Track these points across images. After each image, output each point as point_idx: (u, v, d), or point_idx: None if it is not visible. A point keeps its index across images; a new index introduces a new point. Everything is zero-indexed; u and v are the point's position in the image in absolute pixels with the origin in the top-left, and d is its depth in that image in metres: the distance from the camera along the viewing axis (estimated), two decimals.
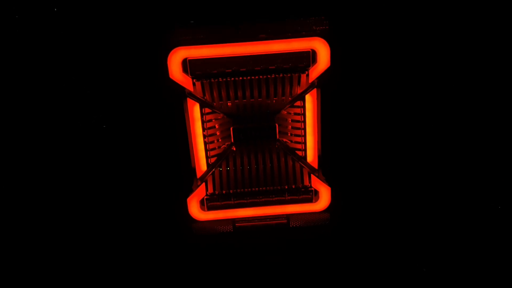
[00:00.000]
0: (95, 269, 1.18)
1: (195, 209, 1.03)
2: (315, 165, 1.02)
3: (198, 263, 1.12)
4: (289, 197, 1.04)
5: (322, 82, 0.94)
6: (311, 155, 1.01)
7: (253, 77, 0.94)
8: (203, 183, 1.02)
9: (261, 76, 0.94)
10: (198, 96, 0.95)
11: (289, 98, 0.96)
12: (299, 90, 0.95)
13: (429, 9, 0.93)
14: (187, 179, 1.03)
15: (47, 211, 1.13)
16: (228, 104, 0.96)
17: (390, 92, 0.99)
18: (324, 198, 1.03)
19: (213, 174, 1.02)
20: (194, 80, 0.94)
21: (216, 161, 1.01)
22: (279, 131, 0.99)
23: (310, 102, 0.97)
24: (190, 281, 1.14)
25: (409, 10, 0.93)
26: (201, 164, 1.01)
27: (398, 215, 1.09)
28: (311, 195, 1.04)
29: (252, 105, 0.97)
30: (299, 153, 1.01)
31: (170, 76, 0.93)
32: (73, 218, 1.11)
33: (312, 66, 0.93)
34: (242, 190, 1.03)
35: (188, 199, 1.02)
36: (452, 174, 1.06)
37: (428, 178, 1.06)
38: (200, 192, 1.03)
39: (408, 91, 0.99)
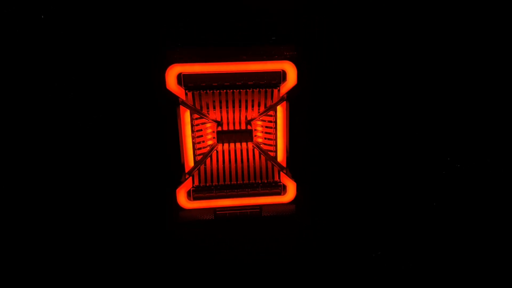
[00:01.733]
0: (90, 258, 1.32)
1: (182, 199, 1.22)
2: (284, 164, 1.23)
3: (183, 250, 1.30)
4: (261, 191, 1.24)
5: (290, 96, 1.17)
6: (280, 155, 1.23)
7: (235, 90, 1.15)
8: (190, 177, 1.22)
9: (241, 90, 1.15)
10: (189, 104, 1.15)
11: (263, 108, 1.18)
12: (271, 102, 1.18)
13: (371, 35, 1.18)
14: (176, 173, 1.23)
15: (42, 201, 1.25)
16: (214, 111, 1.18)
17: (343, 105, 1.22)
18: (290, 192, 1.24)
19: (199, 169, 1.22)
20: (186, 91, 1.14)
21: (202, 159, 1.21)
22: (254, 135, 1.20)
23: (281, 112, 1.19)
24: (176, 265, 1.32)
25: (356, 43, 1.17)
26: (189, 160, 1.21)
27: (353, 205, 1.31)
28: (280, 189, 1.25)
29: (233, 113, 1.18)
30: (271, 153, 1.23)
31: (167, 87, 1.13)
32: (69, 210, 1.26)
33: (283, 83, 1.15)
34: (222, 183, 1.23)
35: (177, 190, 1.22)
36: (403, 167, 1.29)
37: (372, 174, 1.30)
38: (187, 185, 1.22)
39: (356, 105, 1.22)
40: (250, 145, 1.21)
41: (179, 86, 1.13)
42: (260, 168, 1.23)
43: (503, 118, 1.27)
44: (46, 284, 1.35)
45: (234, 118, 1.18)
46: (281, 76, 1.14)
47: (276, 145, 1.21)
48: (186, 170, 1.21)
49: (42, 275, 1.34)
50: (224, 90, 1.15)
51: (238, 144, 1.20)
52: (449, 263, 1.36)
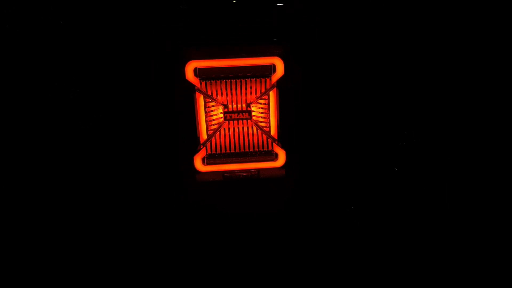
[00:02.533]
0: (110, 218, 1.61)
1: (198, 164, 1.59)
2: (276, 137, 1.59)
3: (199, 206, 1.67)
4: (259, 158, 1.61)
5: (279, 84, 1.53)
6: (273, 130, 1.58)
7: (237, 80, 1.52)
8: (204, 147, 1.59)
9: (242, 80, 1.52)
10: (203, 91, 1.52)
11: (259, 94, 1.54)
12: (265, 89, 1.54)
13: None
14: (193, 145, 1.60)
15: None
16: (221, 96, 1.54)
17: (324, 91, 1.57)
18: (281, 159, 1.60)
19: (210, 141, 1.59)
20: (201, 81, 1.51)
21: (213, 133, 1.57)
22: (253, 115, 1.56)
23: (272, 96, 1.55)
24: (191, 219, 1.67)
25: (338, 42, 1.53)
26: (203, 134, 1.58)
27: (335, 169, 1.64)
28: (273, 157, 1.60)
29: (236, 97, 1.55)
30: (266, 129, 1.59)
31: (186, 78, 1.50)
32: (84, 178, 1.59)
33: (273, 74, 1.51)
34: (229, 152, 1.60)
35: (194, 157, 1.59)
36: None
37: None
38: (202, 153, 1.59)
39: (338, 91, 1.57)
40: (250, 122, 1.57)
41: (195, 77, 1.50)
42: (258, 140, 1.60)
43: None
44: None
45: (237, 102, 1.55)
46: (271, 69, 1.50)
47: (269, 122, 1.58)
48: (201, 142, 1.58)
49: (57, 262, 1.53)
50: (229, 80, 1.51)
51: (240, 122, 1.57)
52: (435, 238, 1.63)
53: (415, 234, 1.63)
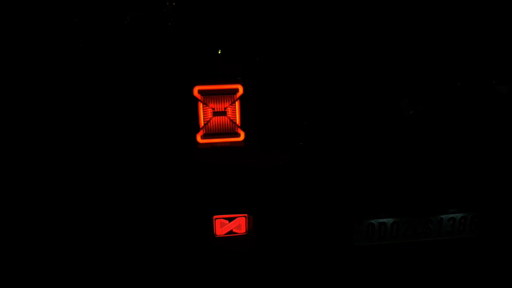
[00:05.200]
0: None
1: (199, 138, 3.05)
2: (239, 124, 3.05)
3: (199, 160, 3.10)
4: (230, 136, 3.07)
5: (241, 97, 3.01)
6: (238, 121, 3.05)
7: (220, 96, 3.00)
8: (202, 130, 3.05)
9: (222, 95, 3.01)
10: (202, 101, 3.01)
11: (230, 103, 3.02)
12: (233, 100, 3.02)
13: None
14: (197, 129, 3.06)
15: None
16: (211, 104, 3.03)
17: (265, 101, 3.04)
18: (242, 136, 3.05)
19: (205, 127, 3.06)
20: (201, 95, 3.00)
21: (207, 122, 3.05)
22: (228, 113, 3.03)
23: (237, 103, 3.02)
24: (192, 173, 3.11)
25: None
26: (201, 123, 3.04)
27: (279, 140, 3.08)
28: (238, 135, 3.06)
29: (219, 104, 3.03)
30: (234, 120, 3.06)
31: (194, 94, 2.99)
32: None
33: (238, 92, 3.00)
34: (215, 132, 3.07)
35: (196, 135, 3.04)
36: None
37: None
38: (201, 133, 3.05)
39: (274, 101, 3.04)
40: (226, 117, 3.04)
41: (198, 94, 3.00)
42: (230, 127, 3.07)
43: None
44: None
45: (219, 107, 3.03)
46: (237, 90, 2.99)
47: (236, 117, 3.05)
48: (200, 127, 3.06)
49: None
50: (216, 96, 3.01)
51: (221, 117, 3.05)
52: None
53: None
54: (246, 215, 2.77)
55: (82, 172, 2.95)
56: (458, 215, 2.89)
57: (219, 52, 3.02)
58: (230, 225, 2.71)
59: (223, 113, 3.01)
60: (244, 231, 2.87)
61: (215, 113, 3.02)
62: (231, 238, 2.86)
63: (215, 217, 2.73)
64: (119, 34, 3.05)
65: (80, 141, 2.97)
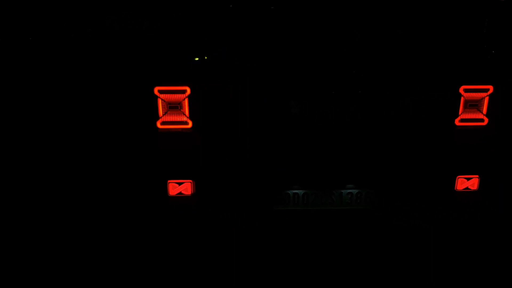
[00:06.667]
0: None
1: (159, 125, 4.14)
2: (188, 115, 4.16)
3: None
4: (182, 123, 4.17)
5: (189, 96, 4.09)
6: (187, 113, 4.16)
7: (175, 94, 4.09)
8: (161, 118, 4.16)
9: (174, 94, 4.09)
10: (161, 98, 4.10)
11: (181, 99, 4.11)
12: (184, 98, 4.11)
13: None
14: (156, 118, 4.15)
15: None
16: (168, 99, 4.12)
17: (205, 99, 4.13)
18: (190, 124, 4.16)
19: (163, 116, 4.16)
20: (159, 93, 4.09)
21: (164, 113, 4.14)
22: (180, 108, 4.13)
23: (186, 100, 4.09)
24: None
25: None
26: (161, 113, 4.12)
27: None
28: (188, 124, 4.17)
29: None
30: (185, 112, 4.16)
31: (155, 93, 4.07)
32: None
33: (186, 92, 4.08)
34: (169, 121, 4.17)
35: (157, 122, 4.14)
36: None
37: None
38: (160, 121, 4.15)
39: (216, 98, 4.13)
40: (178, 110, 4.14)
41: (158, 93, 4.07)
42: (181, 117, 4.18)
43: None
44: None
45: (174, 102, 4.12)
46: (186, 90, 4.07)
47: (186, 111, 4.15)
48: (160, 116, 4.16)
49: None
50: (170, 94, 4.09)
51: (175, 110, 4.13)
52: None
53: None
54: (191, 181, 3.93)
55: (68, 147, 4.09)
56: (355, 191, 4.08)
57: (174, 60, 4.11)
58: (179, 188, 3.88)
59: (176, 107, 4.12)
60: (190, 193, 4.03)
61: (170, 107, 4.13)
62: (180, 198, 4.02)
63: (169, 181, 3.90)
64: (103, 44, 4.13)
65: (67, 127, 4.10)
